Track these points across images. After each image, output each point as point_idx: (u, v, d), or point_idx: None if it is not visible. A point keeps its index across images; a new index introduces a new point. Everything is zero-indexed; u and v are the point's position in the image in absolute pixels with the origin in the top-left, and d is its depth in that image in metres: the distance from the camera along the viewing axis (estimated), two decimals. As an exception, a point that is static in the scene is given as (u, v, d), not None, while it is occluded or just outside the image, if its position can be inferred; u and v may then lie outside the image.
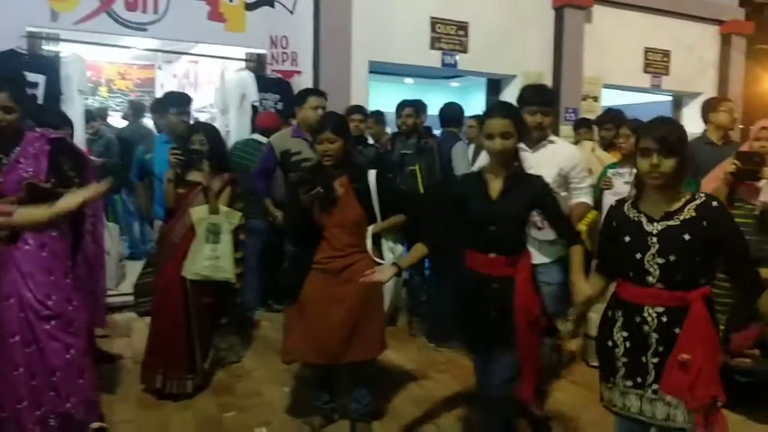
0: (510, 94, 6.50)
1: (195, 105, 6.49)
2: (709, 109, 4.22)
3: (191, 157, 3.45)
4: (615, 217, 2.12)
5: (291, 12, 5.65)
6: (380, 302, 2.93)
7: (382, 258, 2.97)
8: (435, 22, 6.33)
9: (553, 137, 3.15)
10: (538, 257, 2.90)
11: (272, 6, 5.59)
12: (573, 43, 7.02)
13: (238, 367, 3.86)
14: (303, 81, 5.62)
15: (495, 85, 7.18)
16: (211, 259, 3.37)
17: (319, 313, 2.82)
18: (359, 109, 4.81)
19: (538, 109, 2.98)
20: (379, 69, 6.35)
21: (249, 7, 5.48)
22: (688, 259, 1.94)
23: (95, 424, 2.73)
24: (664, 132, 1.93)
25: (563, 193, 3.02)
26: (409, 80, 9.93)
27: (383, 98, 7.04)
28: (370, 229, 2.94)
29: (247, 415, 3.25)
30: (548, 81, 6.92)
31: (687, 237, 1.93)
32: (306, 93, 4.02)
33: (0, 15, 4.58)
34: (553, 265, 3.00)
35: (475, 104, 8.15)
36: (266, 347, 4.18)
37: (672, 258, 1.94)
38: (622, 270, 2.06)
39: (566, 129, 6.43)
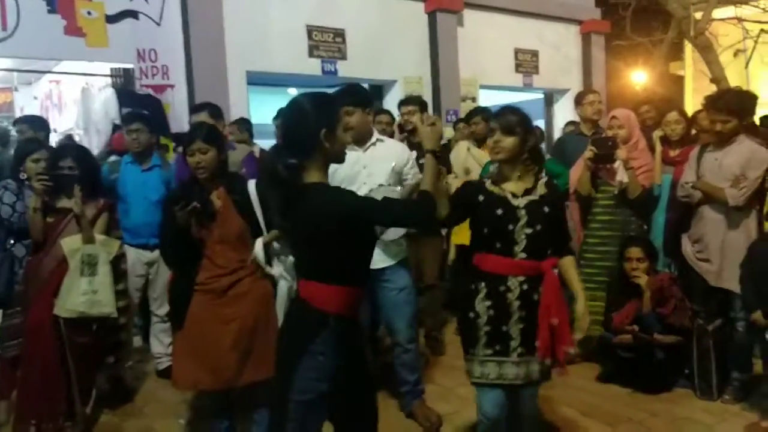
0: (392, 100, 6.59)
1: (60, 127, 6.06)
2: (576, 103, 4.49)
3: (60, 183, 3.17)
4: (480, 192, 2.31)
5: (157, 23, 5.40)
6: (273, 319, 2.82)
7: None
8: (311, 30, 6.30)
9: (380, 136, 3.20)
10: (382, 260, 2.96)
11: (136, 18, 5.30)
12: (447, 46, 7.24)
13: (126, 405, 3.59)
14: (177, 94, 5.37)
15: (377, 91, 7.25)
16: (87, 293, 3.11)
17: (208, 336, 2.66)
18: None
19: (353, 109, 2.95)
20: (261, 80, 6.22)
21: (110, 20, 5.17)
22: (550, 229, 2.26)
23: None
24: (505, 115, 2.29)
25: (398, 188, 3.06)
26: (292, 90, 9.83)
27: (267, 110, 6.90)
28: (259, 241, 2.82)
29: (138, 455, 3.02)
30: (428, 84, 7.10)
31: (546, 209, 2.26)
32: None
33: None
34: (398, 267, 3.05)
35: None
36: (155, 379, 3.93)
37: (538, 228, 2.22)
38: (489, 242, 2.26)
39: (449, 131, 6.61)
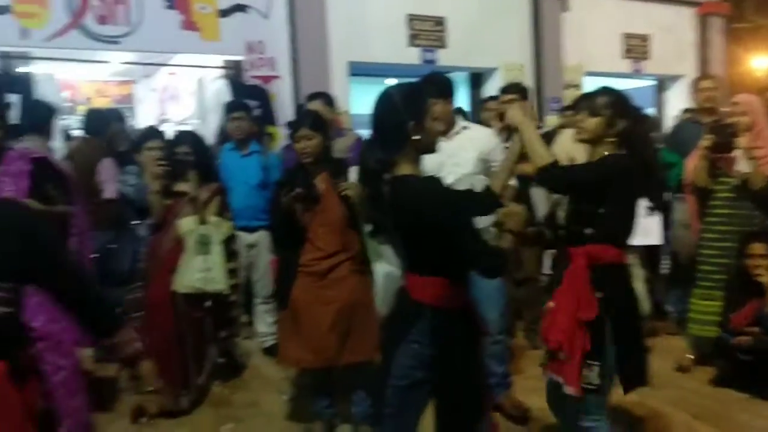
0: (492, 88, 6.48)
1: (175, 117, 6.43)
2: (691, 89, 4.23)
3: (177, 167, 3.40)
4: None
5: (265, 17, 5.60)
6: (372, 303, 2.87)
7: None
8: (412, 19, 6.30)
9: (465, 123, 3.12)
10: None
11: (245, 12, 5.52)
12: (551, 31, 7.01)
13: (234, 378, 3.79)
14: (282, 86, 5.56)
15: (476, 79, 7.16)
16: (202, 271, 3.31)
17: (309, 316, 2.77)
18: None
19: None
20: (361, 71, 6.31)
21: (222, 14, 5.41)
22: None
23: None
24: (594, 96, 2.30)
25: (483, 177, 2.96)
26: (391, 80, 9.89)
27: (367, 100, 6.98)
28: None
29: (245, 426, 3.20)
30: (529, 71, 6.92)
31: None
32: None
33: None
34: None
35: (458, 100, 8.10)
36: (260, 356, 4.12)
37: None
38: None
39: (551, 119, 6.41)
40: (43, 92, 4.76)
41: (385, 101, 1.93)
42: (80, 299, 1.36)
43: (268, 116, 5.21)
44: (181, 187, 3.41)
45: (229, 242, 3.49)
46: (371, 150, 1.93)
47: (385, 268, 2.78)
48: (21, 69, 4.83)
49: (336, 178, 2.82)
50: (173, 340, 3.29)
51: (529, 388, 3.34)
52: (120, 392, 3.56)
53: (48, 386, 2.43)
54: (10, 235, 1.19)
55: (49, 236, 1.32)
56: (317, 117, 2.92)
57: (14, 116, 4.46)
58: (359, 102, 6.12)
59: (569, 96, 7.11)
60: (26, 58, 4.85)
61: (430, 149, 1.95)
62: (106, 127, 4.22)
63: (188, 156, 3.41)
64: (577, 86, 7.35)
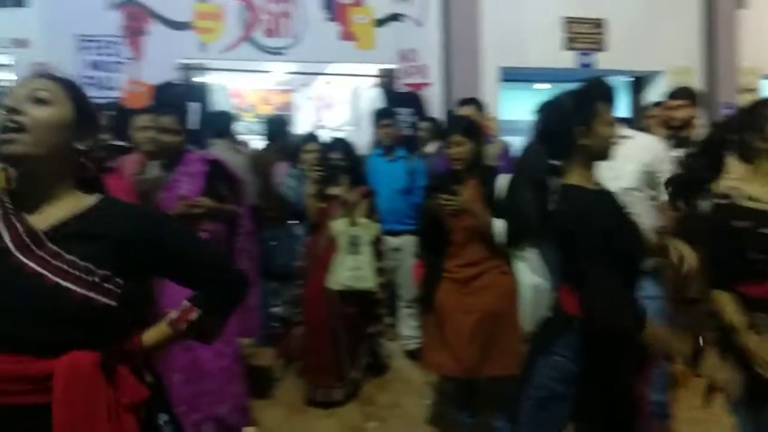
0: (655, 93, 6.06)
1: (330, 124, 6.73)
2: None
3: (331, 173, 3.59)
4: (733, 216, 1.88)
5: (419, 24, 5.69)
6: (516, 315, 2.78)
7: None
8: (569, 22, 6.07)
9: (628, 131, 2.85)
10: None
11: (400, 20, 5.65)
12: (725, 31, 6.41)
13: (378, 378, 3.88)
14: (433, 93, 5.62)
15: (638, 83, 6.73)
16: (352, 269, 3.47)
17: (452, 323, 2.75)
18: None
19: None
20: (512, 76, 6.20)
21: (378, 24, 5.58)
22: None
23: (249, 429, 2.85)
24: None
25: (651, 192, 2.69)
26: (542, 85, 9.60)
27: (516, 105, 6.85)
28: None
29: (387, 426, 3.25)
30: (698, 74, 6.38)
31: None
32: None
33: (156, 49, 5.04)
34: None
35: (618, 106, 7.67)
36: (402, 358, 4.18)
37: None
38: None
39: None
40: (216, 100, 5.22)
41: (551, 106, 1.87)
42: (215, 295, 1.42)
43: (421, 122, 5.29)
44: (334, 190, 3.59)
45: (377, 243, 3.62)
46: (537, 157, 1.88)
47: (533, 279, 2.69)
48: (197, 79, 5.33)
49: (485, 186, 2.79)
50: (327, 335, 3.46)
51: (692, 420, 3.07)
52: (275, 381, 3.80)
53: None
54: (126, 233, 1.24)
55: (171, 232, 1.37)
56: (470, 123, 2.90)
57: (194, 123, 4.95)
58: (508, 108, 6.03)
59: (745, 101, 6.46)
60: (202, 69, 5.34)
61: (603, 156, 1.86)
62: (283, 133, 4.57)
63: (340, 162, 3.60)
64: (753, 90, 6.66)
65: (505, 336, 2.71)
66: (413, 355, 4.02)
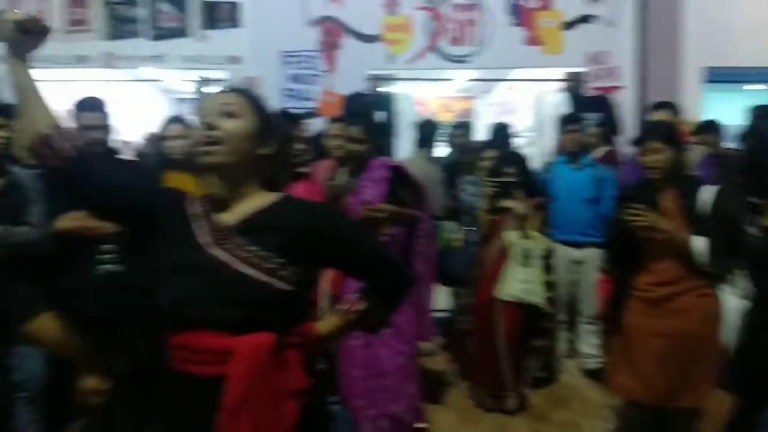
0: None
1: (512, 130, 6.63)
2: None
3: (504, 187, 3.61)
4: None
5: (611, 25, 5.38)
6: (716, 343, 2.49)
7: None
8: (790, 16, 5.34)
9: None
10: None
11: (590, 22, 5.39)
12: None
13: (554, 393, 3.74)
14: (625, 96, 5.28)
15: None
16: (523, 282, 3.44)
17: (640, 345, 2.56)
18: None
19: None
20: (718, 77, 5.61)
21: (566, 27, 5.38)
22: None
23: (420, 424, 2.92)
24: None
25: None
26: (752, 86, 8.58)
27: (721, 109, 6.19)
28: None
29: (563, 447, 3.12)
30: None
31: None
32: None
33: (348, 61, 5.35)
34: None
35: None
36: (581, 376, 3.98)
37: None
38: None
39: None
40: (401, 109, 5.40)
41: (760, 135, 1.66)
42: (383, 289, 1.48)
43: (611, 128, 5.01)
44: (506, 203, 3.58)
45: (547, 256, 3.57)
46: (738, 192, 1.68)
47: (739, 302, 2.40)
48: (385, 89, 5.56)
49: (685, 198, 2.55)
50: (494, 345, 3.45)
51: None
52: (447, 386, 3.83)
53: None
54: (300, 225, 1.36)
55: (341, 226, 1.48)
56: (670, 129, 2.67)
57: (382, 132, 5.17)
58: (714, 111, 5.45)
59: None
60: (389, 79, 5.57)
61: None
62: (505, 138, 4.72)
63: (514, 176, 3.59)
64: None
65: (702, 364, 2.46)
66: (593, 374, 3.82)
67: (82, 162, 1.32)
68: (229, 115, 1.36)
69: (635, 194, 2.62)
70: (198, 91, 5.46)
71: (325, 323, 1.47)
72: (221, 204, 1.39)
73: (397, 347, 2.85)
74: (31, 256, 1.86)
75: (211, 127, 1.34)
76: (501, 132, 4.83)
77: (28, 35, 1.34)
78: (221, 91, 1.46)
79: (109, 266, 2.63)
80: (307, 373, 1.35)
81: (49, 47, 1.43)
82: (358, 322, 1.45)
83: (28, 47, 1.36)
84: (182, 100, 7.07)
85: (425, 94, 8.61)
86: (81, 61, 5.10)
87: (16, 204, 2.50)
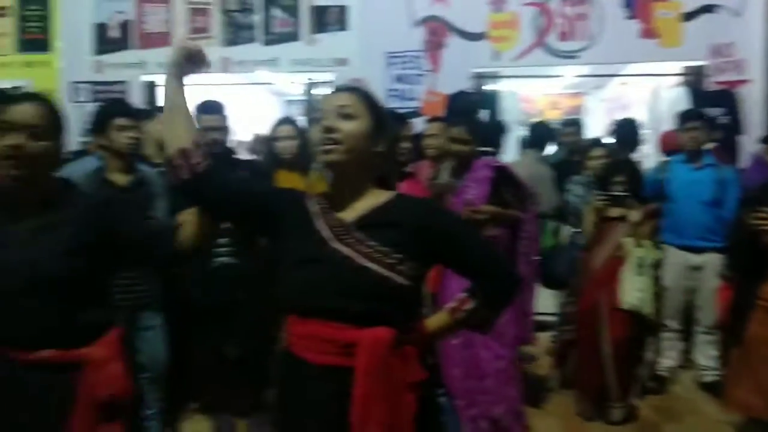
0: None
1: (639, 125, 6.35)
2: None
3: (614, 197, 3.50)
4: None
5: (737, 15, 5.00)
6: None
7: None
8: None
9: None
10: None
11: (713, 12, 5.04)
12: None
13: (666, 406, 3.55)
14: (752, 91, 4.89)
15: None
16: (639, 291, 3.33)
17: (764, 358, 2.38)
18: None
19: None
20: None
21: (686, 18, 5.07)
22: None
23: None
24: None
25: None
26: None
27: None
28: None
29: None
30: None
31: None
32: None
33: (452, 60, 5.33)
34: None
35: None
36: (697, 389, 3.74)
37: None
38: None
39: None
40: (506, 108, 5.31)
41: None
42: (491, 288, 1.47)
43: (735, 124, 4.68)
44: (615, 212, 3.47)
45: (656, 266, 3.45)
46: None
47: None
48: (489, 87, 5.49)
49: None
50: (599, 353, 3.33)
51: None
52: (549, 391, 3.74)
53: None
54: (416, 222, 1.40)
55: (453, 225, 1.50)
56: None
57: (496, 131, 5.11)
58: None
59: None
60: (494, 77, 5.49)
61: None
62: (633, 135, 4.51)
63: (624, 185, 3.46)
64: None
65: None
66: (709, 387, 3.59)
67: (209, 176, 1.42)
68: (347, 116, 1.41)
69: (762, 196, 2.44)
70: (307, 93, 5.66)
71: (434, 320, 1.50)
72: (338, 202, 1.45)
73: (497, 350, 2.83)
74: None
75: (330, 129, 1.40)
76: (626, 128, 4.56)
77: (191, 64, 1.48)
78: (338, 91, 1.51)
79: (224, 258, 2.80)
80: (421, 367, 1.39)
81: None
82: (466, 321, 1.47)
83: (187, 72, 1.49)
84: (292, 101, 7.35)
85: (531, 92, 8.41)
86: (201, 66, 5.46)
87: (143, 199, 2.72)
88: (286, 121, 3.41)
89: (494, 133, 4.52)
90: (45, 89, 5.45)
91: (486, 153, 3.30)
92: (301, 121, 4.49)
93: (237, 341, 3.02)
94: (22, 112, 1.48)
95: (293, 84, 6.24)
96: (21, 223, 1.52)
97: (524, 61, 5.34)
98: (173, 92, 1.47)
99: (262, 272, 2.97)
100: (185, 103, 1.48)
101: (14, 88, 4.13)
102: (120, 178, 2.67)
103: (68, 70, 5.74)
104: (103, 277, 1.62)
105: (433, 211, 1.51)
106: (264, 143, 3.99)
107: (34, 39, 5.80)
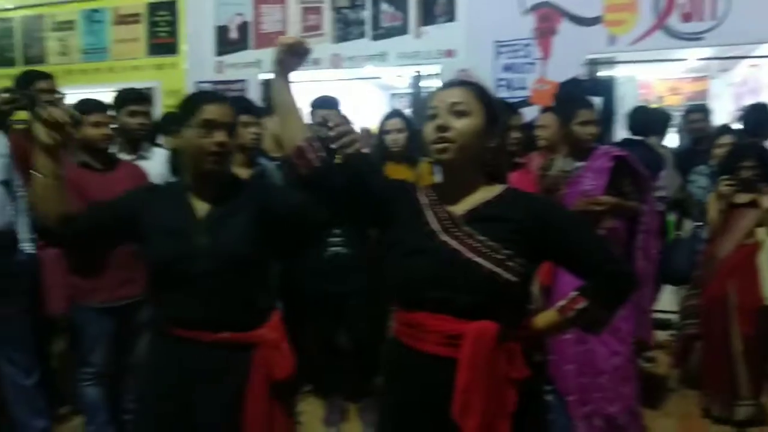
0: None
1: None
2: None
3: (744, 181, 3.29)
4: None
5: None
6: None
7: None
8: None
9: None
10: None
11: None
12: None
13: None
14: None
15: None
16: None
17: None
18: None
19: None
20: None
21: (828, -10, 4.59)
22: None
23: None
24: None
25: None
26: None
27: None
28: None
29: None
30: None
31: None
32: None
33: (564, 47, 5.16)
34: None
35: None
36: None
37: None
38: None
39: None
40: (624, 94, 5.07)
41: None
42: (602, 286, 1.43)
43: None
44: (743, 198, 3.28)
45: None
46: None
47: None
48: (605, 73, 5.26)
49: None
50: (725, 348, 3.18)
51: None
52: (669, 391, 3.56)
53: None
54: (526, 217, 1.39)
55: (565, 220, 1.46)
56: None
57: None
58: None
59: None
60: (610, 62, 5.25)
61: None
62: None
63: (753, 169, 3.26)
64: None
65: None
66: None
67: (326, 171, 1.47)
68: (460, 113, 1.40)
69: None
70: (414, 86, 5.70)
71: (543, 317, 1.48)
72: (448, 195, 1.46)
73: (614, 346, 2.73)
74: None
75: (443, 128, 1.39)
76: (756, 114, 4.23)
77: (294, 56, 1.50)
78: (450, 86, 1.49)
79: (337, 248, 2.90)
80: (526, 364, 1.38)
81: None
82: (577, 320, 1.44)
83: (292, 67, 1.51)
84: (398, 95, 7.42)
85: (650, 77, 7.97)
86: (314, 63, 5.63)
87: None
88: (395, 114, 3.46)
89: (651, 121, 4.36)
90: (172, 90, 5.97)
91: (602, 140, 3.19)
92: (409, 114, 4.53)
93: (349, 329, 3.14)
94: (222, 111, 1.65)
95: (400, 77, 6.30)
96: (201, 212, 1.68)
97: (642, 45, 5.06)
98: (281, 92, 1.50)
99: (374, 262, 3.07)
100: (294, 101, 1.51)
101: (146, 89, 4.47)
102: (242, 172, 2.84)
103: (193, 71, 6.15)
104: (268, 263, 1.77)
105: (547, 207, 1.49)
106: (372, 137, 4.07)
107: (163, 43, 6.27)
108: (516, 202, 1.43)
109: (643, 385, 3.04)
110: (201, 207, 1.69)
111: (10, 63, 6.59)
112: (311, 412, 3.26)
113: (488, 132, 1.43)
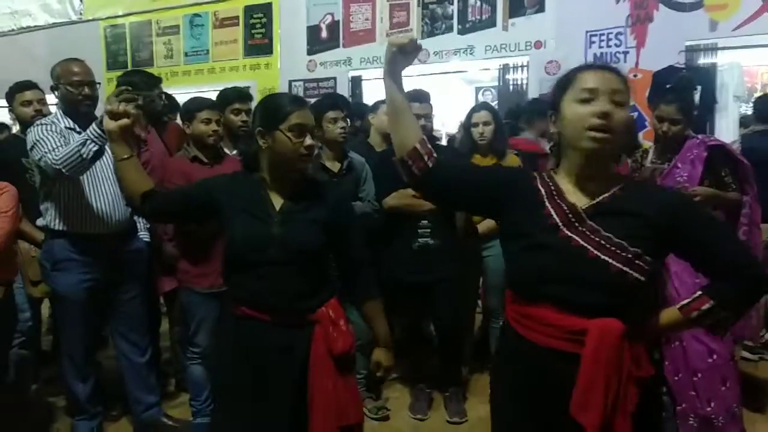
0: None
1: None
2: None
3: None
4: None
5: None
6: None
7: None
8: None
9: None
10: None
11: None
12: None
13: None
14: None
15: None
16: None
17: None
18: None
19: None
20: None
21: None
22: None
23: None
24: None
25: None
26: None
27: None
28: None
29: None
30: None
31: None
32: None
33: (660, 34, 4.95)
34: None
35: None
36: None
37: None
38: None
39: None
40: (725, 81, 4.81)
41: None
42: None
43: None
44: None
45: None
46: None
47: None
48: (705, 61, 4.99)
49: None
50: None
51: None
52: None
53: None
54: (658, 213, 1.31)
55: (696, 217, 1.36)
56: None
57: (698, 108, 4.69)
58: None
59: None
60: (712, 49, 4.98)
61: None
62: None
63: None
64: None
65: None
66: None
67: (438, 170, 1.48)
68: (618, 104, 1.32)
69: None
70: (500, 79, 5.65)
71: (666, 316, 1.41)
72: (576, 185, 1.39)
73: (710, 345, 2.62)
74: (365, 228, 2.20)
75: (607, 115, 1.30)
76: None
77: (405, 55, 1.46)
78: (606, 70, 1.37)
79: (425, 239, 2.96)
80: (650, 363, 1.34)
81: (380, 49, 1.67)
82: (699, 321, 1.36)
83: (402, 66, 1.49)
84: (483, 88, 7.36)
85: (756, 64, 7.45)
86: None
87: (353, 183, 2.98)
88: (482, 107, 3.46)
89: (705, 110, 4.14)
90: (267, 88, 6.22)
91: (697, 130, 3.04)
92: (495, 107, 4.51)
93: (435, 318, 3.19)
94: (309, 115, 1.78)
95: (486, 70, 6.26)
96: (277, 205, 1.80)
97: (746, 30, 4.77)
98: (393, 93, 1.48)
99: (461, 253, 3.10)
100: (405, 102, 1.49)
101: (244, 88, 4.70)
102: (333, 165, 2.95)
103: (286, 70, 6.40)
104: (329, 256, 1.86)
105: (684, 203, 1.41)
106: (460, 129, 4.10)
107: (259, 44, 6.55)
108: (645, 196, 1.35)
109: (747, 387, 2.89)
110: (276, 200, 1.80)
111: (123, 66, 7.12)
112: (398, 399, 3.32)
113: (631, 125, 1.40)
